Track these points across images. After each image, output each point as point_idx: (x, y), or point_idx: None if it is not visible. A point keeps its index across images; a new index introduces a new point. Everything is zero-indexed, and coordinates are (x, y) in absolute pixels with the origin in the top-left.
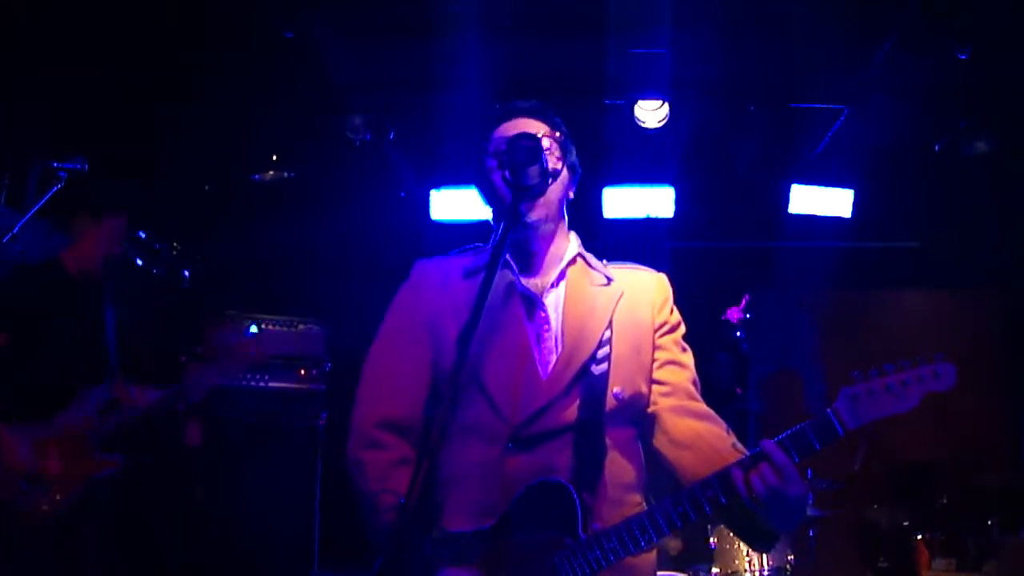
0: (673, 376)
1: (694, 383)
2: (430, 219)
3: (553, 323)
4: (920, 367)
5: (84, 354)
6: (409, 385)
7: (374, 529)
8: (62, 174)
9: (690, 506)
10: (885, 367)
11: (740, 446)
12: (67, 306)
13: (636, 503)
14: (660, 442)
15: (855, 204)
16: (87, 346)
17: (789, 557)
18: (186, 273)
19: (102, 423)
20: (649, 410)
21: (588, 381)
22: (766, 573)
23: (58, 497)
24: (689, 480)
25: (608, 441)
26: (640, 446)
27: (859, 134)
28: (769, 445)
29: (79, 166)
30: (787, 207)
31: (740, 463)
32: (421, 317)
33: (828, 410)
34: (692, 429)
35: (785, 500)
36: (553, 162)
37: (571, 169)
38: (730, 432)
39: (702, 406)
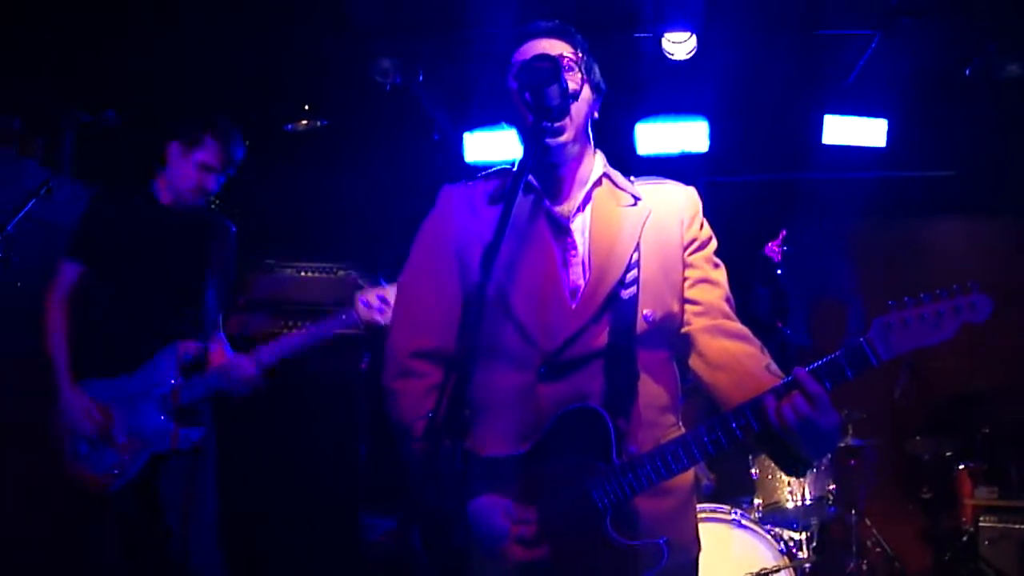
0: (706, 295)
1: (727, 300)
2: (464, 162)
3: (580, 248)
4: (956, 297)
5: (179, 294)
6: (440, 313)
7: (409, 457)
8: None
9: (723, 433)
10: (920, 296)
11: (775, 367)
12: (159, 238)
13: (671, 424)
14: (696, 363)
15: (889, 133)
16: (182, 285)
17: (831, 487)
18: None
19: (183, 387)
20: (683, 331)
21: (617, 306)
22: (808, 503)
23: (117, 472)
24: (725, 401)
25: (640, 364)
26: (675, 367)
27: (891, 62)
28: (802, 374)
29: (110, 120)
30: (821, 138)
31: (773, 391)
32: (449, 244)
33: (861, 339)
34: (726, 350)
35: (817, 429)
36: (574, 82)
37: (595, 88)
38: (764, 352)
39: (736, 325)
